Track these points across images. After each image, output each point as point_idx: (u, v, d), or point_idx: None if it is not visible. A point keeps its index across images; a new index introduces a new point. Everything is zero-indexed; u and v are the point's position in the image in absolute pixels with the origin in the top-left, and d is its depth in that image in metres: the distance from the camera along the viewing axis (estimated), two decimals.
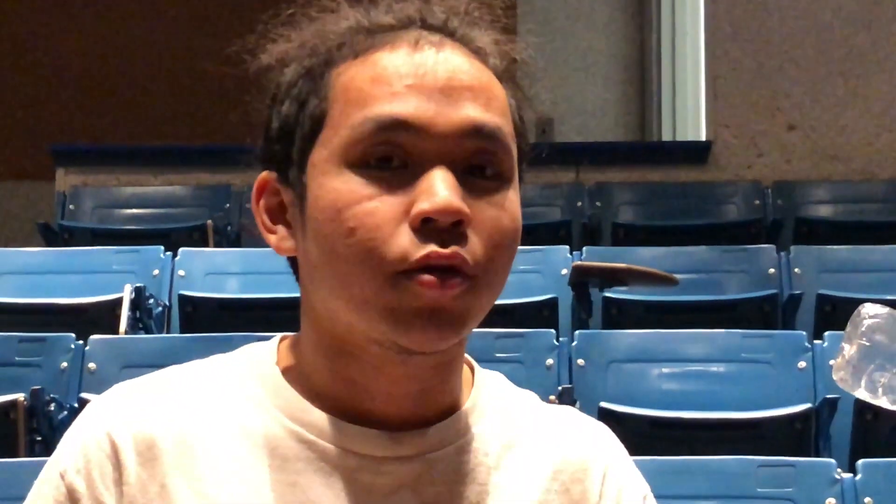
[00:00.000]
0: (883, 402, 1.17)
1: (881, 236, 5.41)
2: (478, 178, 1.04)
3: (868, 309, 1.16)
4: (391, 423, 1.08)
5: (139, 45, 8.49)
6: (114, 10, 8.53)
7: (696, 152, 6.70)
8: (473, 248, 1.02)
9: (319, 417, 1.08)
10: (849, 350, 1.16)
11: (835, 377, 1.17)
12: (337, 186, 1.03)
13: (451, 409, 1.11)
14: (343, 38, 1.08)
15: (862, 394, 1.15)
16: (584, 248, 5.21)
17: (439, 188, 1.01)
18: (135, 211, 6.41)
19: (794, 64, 6.54)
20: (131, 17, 8.53)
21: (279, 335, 1.16)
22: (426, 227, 1.01)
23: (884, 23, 6.52)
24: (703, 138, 6.83)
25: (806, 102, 6.54)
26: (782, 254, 5.15)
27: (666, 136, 8.12)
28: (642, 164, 6.62)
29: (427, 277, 1.00)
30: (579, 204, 6.22)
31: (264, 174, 1.11)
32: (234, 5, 7.90)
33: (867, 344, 1.14)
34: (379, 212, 1.02)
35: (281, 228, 1.10)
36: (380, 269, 1.01)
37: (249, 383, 1.11)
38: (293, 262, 1.13)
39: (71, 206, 6.43)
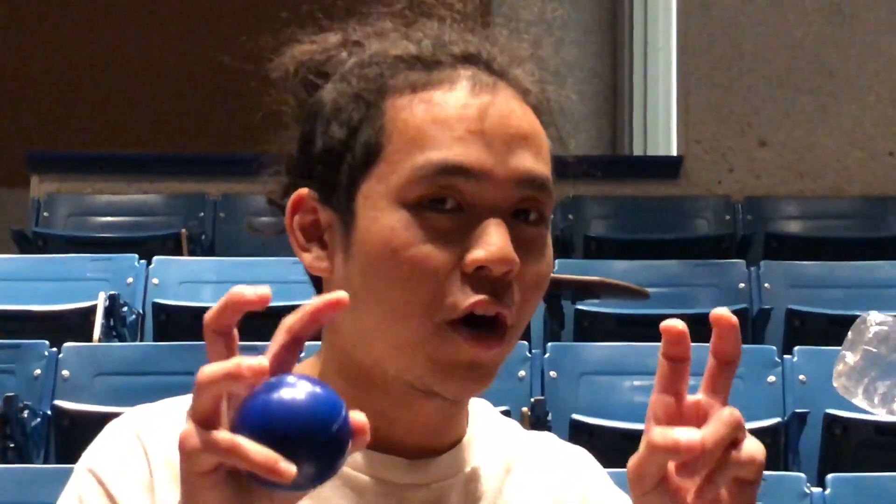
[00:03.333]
0: (879, 412, 1.17)
1: (850, 252, 5.43)
2: (522, 222, 1.04)
3: (874, 317, 1.16)
4: (407, 451, 1.09)
5: (115, 52, 8.46)
6: (89, 17, 8.50)
7: (667, 167, 6.72)
8: (517, 298, 1.03)
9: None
10: (852, 357, 1.15)
11: (835, 384, 1.17)
12: (392, 225, 1.03)
13: (456, 438, 1.12)
14: (395, 67, 1.07)
15: (860, 402, 1.15)
16: (557, 261, 5.20)
17: (496, 238, 1.01)
18: (109, 219, 6.39)
19: (766, 80, 6.57)
20: (107, 24, 8.49)
21: (313, 356, 1.15)
22: (478, 274, 1.01)
23: (854, 41, 6.55)
24: (675, 153, 6.85)
25: (776, 119, 6.56)
26: (752, 269, 5.16)
27: (637, 151, 8.13)
28: (614, 178, 6.62)
29: (471, 335, 1.01)
30: (552, 217, 6.21)
31: (303, 191, 1.08)
32: (215, 13, 7.89)
33: (874, 351, 1.14)
34: (434, 258, 1.02)
35: (315, 247, 1.09)
36: (430, 317, 1.02)
37: None
38: (316, 279, 1.12)
39: (45, 214, 6.40)
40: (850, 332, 1.17)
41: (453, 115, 1.04)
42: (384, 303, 1.03)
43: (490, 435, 1.15)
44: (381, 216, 1.03)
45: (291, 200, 1.09)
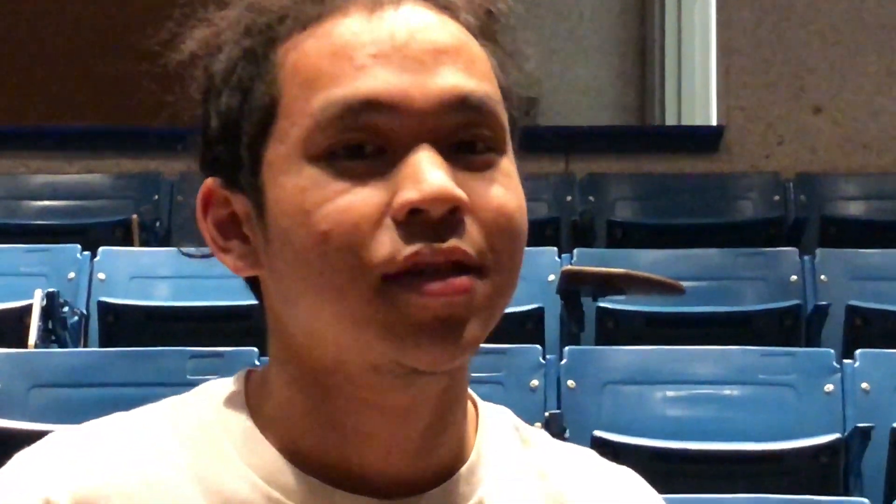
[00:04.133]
0: None
1: None
2: (468, 154, 1.00)
3: None
4: (386, 485, 1.05)
5: (48, 10, 8.46)
6: None
7: (705, 139, 6.73)
8: (474, 237, 0.98)
9: (301, 481, 1.05)
10: None
11: None
12: (301, 184, 1.00)
13: (455, 462, 1.07)
14: (284, 9, 1.04)
15: None
16: (575, 251, 5.22)
17: (427, 172, 0.97)
18: (47, 203, 6.39)
19: (820, 36, 6.57)
20: None
21: (244, 370, 1.11)
22: (414, 220, 0.97)
23: None
24: (714, 123, 6.86)
25: (834, 82, 6.57)
26: (806, 258, 5.17)
27: (670, 121, 8.16)
28: (642, 152, 6.65)
29: (426, 285, 0.97)
30: (569, 198, 6.23)
31: (208, 182, 1.07)
32: None
33: None
34: (355, 208, 0.98)
35: (236, 244, 1.06)
36: (364, 279, 0.98)
37: (216, 437, 1.07)
38: (253, 282, 1.09)
39: None
40: None
41: (351, 43, 1.00)
42: (312, 281, 1.00)
43: (505, 456, 1.11)
44: (288, 179, 1.00)
45: (200, 195, 1.07)
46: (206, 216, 1.07)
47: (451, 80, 1.00)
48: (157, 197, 6.34)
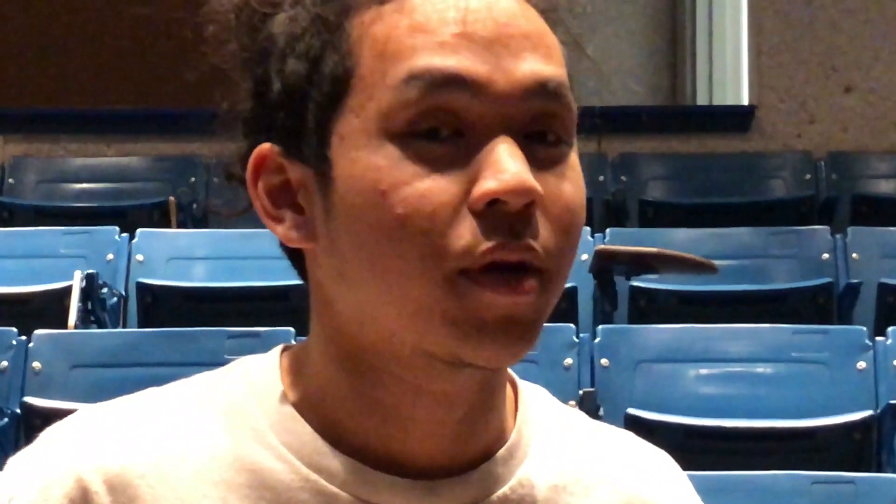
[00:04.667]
0: None
1: None
2: (538, 144, 0.98)
3: None
4: (424, 468, 1.03)
5: None
6: None
7: (737, 118, 6.72)
8: (544, 235, 0.96)
9: (341, 463, 1.03)
10: None
11: None
12: (378, 163, 0.97)
13: (493, 445, 1.06)
14: None
15: None
16: (608, 230, 5.22)
17: (508, 163, 0.95)
18: (85, 186, 6.41)
19: (852, 15, 6.55)
20: None
21: (279, 347, 1.09)
22: (491, 211, 0.95)
23: None
24: (746, 102, 6.85)
25: (865, 61, 6.54)
26: (838, 236, 5.15)
27: (701, 101, 8.13)
28: (674, 132, 6.64)
29: (496, 281, 0.95)
30: (601, 178, 6.21)
31: (263, 148, 1.03)
32: None
33: None
34: (433, 194, 0.96)
35: (289, 214, 1.03)
36: (438, 269, 0.96)
37: (251, 415, 1.06)
38: (296, 253, 1.06)
39: (11, 180, 6.43)
40: None
41: (434, 19, 0.98)
42: (380, 263, 0.97)
43: (544, 437, 1.09)
44: (364, 156, 0.97)
45: (252, 161, 1.03)
46: (257, 183, 1.04)
47: (534, 66, 0.98)
48: (193, 179, 6.36)
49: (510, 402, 1.08)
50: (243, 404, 1.06)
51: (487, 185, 0.95)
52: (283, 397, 1.05)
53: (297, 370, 1.07)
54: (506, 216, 0.95)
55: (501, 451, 1.06)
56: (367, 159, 0.97)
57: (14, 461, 1.06)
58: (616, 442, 1.14)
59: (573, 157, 0.99)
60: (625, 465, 1.12)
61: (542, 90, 0.98)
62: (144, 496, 1.02)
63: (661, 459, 1.15)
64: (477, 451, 1.05)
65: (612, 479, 1.10)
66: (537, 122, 0.98)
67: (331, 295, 1.03)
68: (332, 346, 1.04)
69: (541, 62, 0.98)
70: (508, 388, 1.08)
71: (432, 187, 0.96)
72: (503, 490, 1.05)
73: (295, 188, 1.03)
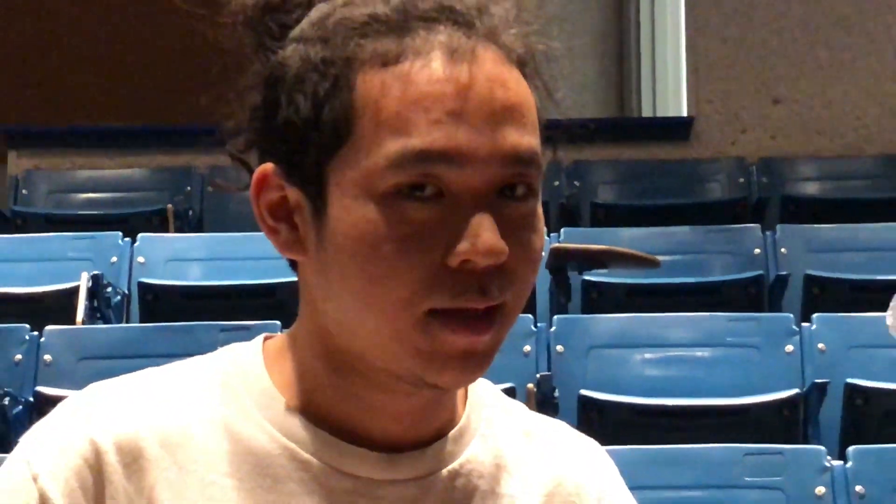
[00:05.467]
0: None
1: (871, 214, 5.42)
2: (509, 199, 1.00)
3: None
4: (387, 443, 1.06)
5: (93, 18, 8.44)
6: None
7: (677, 129, 6.71)
8: (510, 283, 1.00)
9: (314, 434, 1.05)
10: None
11: (889, 322, 1.17)
12: (367, 216, 0.99)
13: (445, 426, 1.08)
14: (362, 32, 1.01)
15: None
16: (562, 230, 5.21)
17: (481, 230, 0.98)
18: (91, 195, 6.38)
19: (779, 34, 6.55)
20: None
21: (262, 336, 1.11)
22: (464, 267, 0.98)
23: None
24: (685, 114, 6.85)
25: (791, 75, 6.55)
26: (768, 233, 5.16)
27: (646, 112, 8.13)
28: (622, 141, 6.61)
29: (459, 325, 0.98)
30: (557, 184, 6.21)
31: (266, 167, 1.04)
32: None
33: None
34: (414, 254, 0.98)
35: (284, 228, 1.04)
36: (412, 312, 0.98)
37: (237, 392, 1.07)
38: (293, 263, 1.08)
39: (24, 191, 6.40)
40: None
41: (429, 95, 0.98)
42: (361, 297, 1.00)
43: (488, 423, 1.11)
44: (355, 206, 0.99)
45: (255, 178, 1.04)
46: (259, 197, 1.05)
47: (513, 138, 0.99)
48: (189, 188, 6.33)
49: (461, 391, 1.10)
50: (231, 383, 1.08)
51: (463, 246, 0.97)
52: (265, 378, 1.07)
53: (277, 356, 1.08)
54: (477, 273, 0.97)
55: (453, 432, 1.08)
56: (359, 211, 0.99)
57: (34, 428, 1.07)
58: (550, 430, 1.15)
59: (538, 208, 1.02)
60: (557, 450, 1.14)
61: (518, 158, 0.99)
62: (148, 458, 1.04)
63: (590, 446, 1.17)
64: (432, 431, 1.07)
65: (546, 461, 1.12)
66: (510, 180, 1.00)
67: (317, 304, 1.05)
68: (315, 340, 1.05)
69: (519, 134, 1.00)
70: None
71: (415, 246, 0.98)
72: (453, 465, 1.07)
73: (291, 206, 1.04)
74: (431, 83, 0.99)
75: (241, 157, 1.09)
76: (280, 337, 1.10)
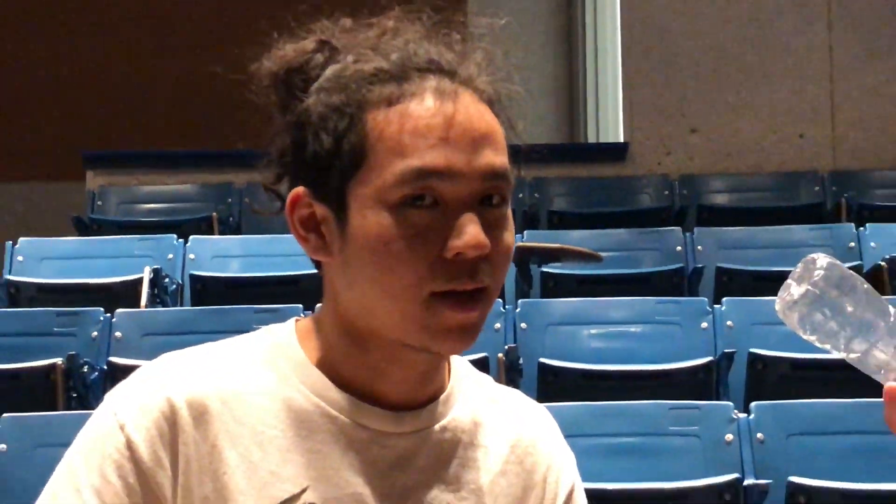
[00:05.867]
0: (811, 339, 1.16)
1: (768, 219, 5.45)
2: (488, 206, 1.03)
3: (820, 260, 1.13)
4: (394, 404, 1.07)
5: (155, 65, 8.43)
6: (133, 39, 8.47)
7: (615, 152, 6.71)
8: (489, 270, 1.02)
9: (340, 396, 1.07)
10: (795, 291, 1.13)
11: (777, 308, 1.15)
12: (381, 222, 1.01)
13: (436, 392, 1.10)
14: (371, 81, 1.03)
15: (797, 328, 1.14)
16: (525, 232, 5.22)
17: (469, 229, 1.01)
18: (152, 206, 6.38)
19: (695, 78, 6.57)
20: (148, 44, 8.46)
21: (293, 319, 1.12)
22: (457, 258, 1.01)
23: (768, 43, 6.55)
24: (622, 140, 6.84)
25: (705, 110, 6.56)
26: (687, 234, 5.17)
27: (591, 139, 8.14)
28: (572, 161, 6.63)
29: (455, 303, 1.01)
30: (521, 195, 6.22)
31: (298, 190, 1.06)
32: (242, 30, 7.85)
33: (815, 291, 1.12)
34: (417, 249, 1.01)
35: (313, 237, 1.06)
36: (418, 294, 1.01)
37: (278, 362, 1.08)
38: (317, 261, 1.09)
39: (99, 203, 6.39)
40: (799, 266, 1.15)
41: (424, 126, 1.01)
42: (378, 284, 1.02)
43: (467, 390, 1.13)
44: (371, 214, 1.01)
45: (290, 199, 1.06)
46: (293, 213, 1.06)
47: (489, 158, 1.03)
48: (230, 200, 6.33)
49: (446, 365, 1.12)
50: (274, 356, 1.09)
51: (456, 242, 1.00)
52: (299, 351, 1.08)
53: (306, 335, 1.10)
54: (467, 262, 1.01)
55: (442, 397, 1.10)
56: (373, 217, 1.01)
57: (117, 388, 1.08)
58: (510, 397, 1.18)
59: (509, 213, 1.05)
60: (516, 413, 1.17)
61: (493, 174, 1.03)
62: (212, 413, 1.05)
63: (539, 411, 1.20)
64: (427, 395, 1.09)
65: (509, 421, 1.15)
66: (488, 191, 1.03)
67: (340, 293, 1.06)
68: (339, 323, 1.07)
69: (493, 155, 1.03)
70: None
71: (417, 244, 1.00)
72: (443, 422, 1.10)
73: (319, 220, 1.06)
74: (425, 116, 1.02)
75: (273, 189, 1.10)
76: (307, 320, 1.11)
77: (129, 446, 1.03)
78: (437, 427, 1.09)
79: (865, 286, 1.13)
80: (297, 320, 1.12)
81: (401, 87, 1.03)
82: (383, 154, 1.01)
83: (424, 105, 1.02)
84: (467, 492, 1.09)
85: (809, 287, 1.11)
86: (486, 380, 1.17)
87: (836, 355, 1.15)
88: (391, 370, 1.06)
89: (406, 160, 1.00)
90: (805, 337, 1.15)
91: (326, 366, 1.07)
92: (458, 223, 1.01)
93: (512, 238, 1.05)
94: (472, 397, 1.13)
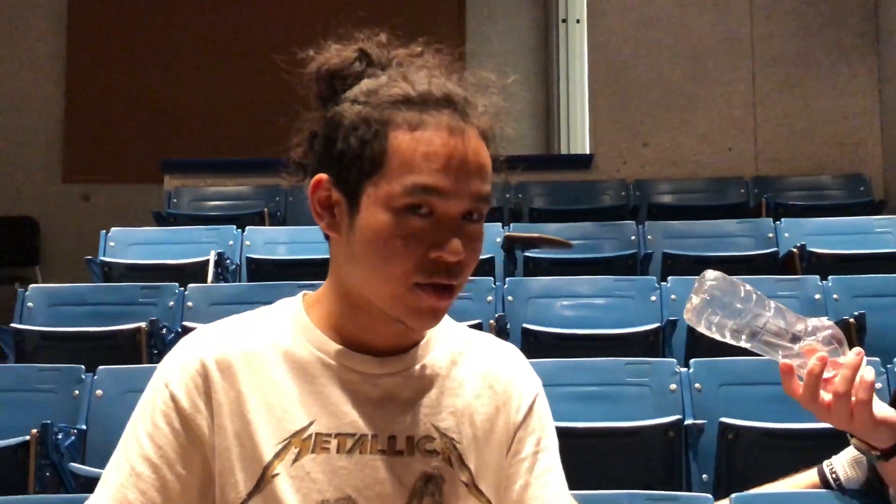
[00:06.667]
0: (715, 335, 1.19)
1: (703, 215, 5.45)
2: (469, 220, 1.04)
3: (710, 274, 1.17)
4: (381, 351, 1.08)
5: (218, 85, 8.41)
6: (200, 61, 8.44)
7: (583, 161, 6.71)
8: (461, 271, 1.04)
9: (336, 348, 1.08)
10: (695, 301, 1.17)
11: (685, 316, 1.17)
12: (386, 220, 1.02)
13: (416, 340, 1.11)
14: (397, 104, 1.03)
15: (702, 329, 1.16)
16: (511, 224, 5.22)
17: (454, 242, 1.02)
18: (216, 203, 6.37)
19: (647, 104, 6.55)
20: (212, 69, 8.44)
21: (302, 293, 1.14)
22: (439, 259, 1.02)
23: (706, 77, 6.54)
24: (588, 152, 6.84)
25: (655, 128, 6.54)
26: (640, 227, 5.17)
27: (563, 151, 8.13)
28: (548, 169, 6.62)
29: (432, 293, 1.03)
30: (507, 196, 6.22)
31: (321, 176, 1.06)
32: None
33: (707, 297, 1.16)
34: (411, 247, 1.01)
35: (327, 216, 1.07)
36: (406, 281, 1.02)
37: (287, 325, 1.10)
38: (327, 236, 1.10)
39: (174, 200, 6.39)
40: (696, 282, 1.18)
41: (433, 153, 1.02)
42: (374, 269, 1.03)
43: (443, 336, 1.14)
44: (378, 212, 1.02)
45: (313, 182, 1.07)
46: (314, 194, 1.07)
47: (477, 187, 1.05)
48: (278, 198, 6.33)
49: None
50: (283, 321, 1.11)
51: (440, 251, 1.02)
52: (305, 317, 1.10)
53: (313, 304, 1.12)
54: (445, 263, 1.03)
55: (421, 342, 1.12)
56: (380, 216, 1.02)
57: (166, 356, 1.11)
58: (481, 338, 1.19)
59: (483, 228, 1.07)
60: (487, 350, 1.18)
61: (479, 198, 1.05)
62: (236, 368, 1.06)
63: (508, 347, 1.21)
64: (408, 343, 1.11)
65: (481, 357, 1.16)
66: (472, 209, 1.05)
67: (342, 263, 1.07)
68: (340, 292, 1.09)
69: (481, 184, 1.05)
70: None
71: (412, 242, 1.02)
72: (423, 363, 1.12)
73: (333, 203, 1.06)
74: (436, 145, 1.02)
75: (299, 162, 1.12)
76: (312, 293, 1.13)
77: (173, 398, 1.05)
78: (417, 367, 1.11)
79: (748, 287, 1.15)
80: (304, 294, 1.13)
81: (421, 116, 1.03)
82: (397, 167, 1.02)
83: (438, 135, 1.03)
84: (446, 414, 1.10)
85: (704, 296, 1.15)
86: (461, 327, 1.18)
87: (737, 344, 1.17)
88: (377, 326, 1.07)
89: (414, 176, 1.01)
90: (709, 334, 1.17)
91: (326, 326, 1.09)
92: (445, 234, 1.02)
93: (480, 248, 1.06)
94: (448, 342, 1.14)
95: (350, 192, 1.03)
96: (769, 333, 1.15)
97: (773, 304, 1.15)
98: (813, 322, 1.18)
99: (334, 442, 1.04)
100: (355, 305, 1.07)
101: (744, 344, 1.17)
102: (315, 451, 1.03)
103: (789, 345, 1.14)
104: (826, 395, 1.24)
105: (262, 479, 1.02)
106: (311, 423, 1.04)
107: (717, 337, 1.16)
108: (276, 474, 1.02)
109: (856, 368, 1.18)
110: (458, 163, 1.02)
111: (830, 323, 1.20)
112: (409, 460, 1.06)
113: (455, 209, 1.02)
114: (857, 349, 1.20)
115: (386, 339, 1.08)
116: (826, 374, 1.20)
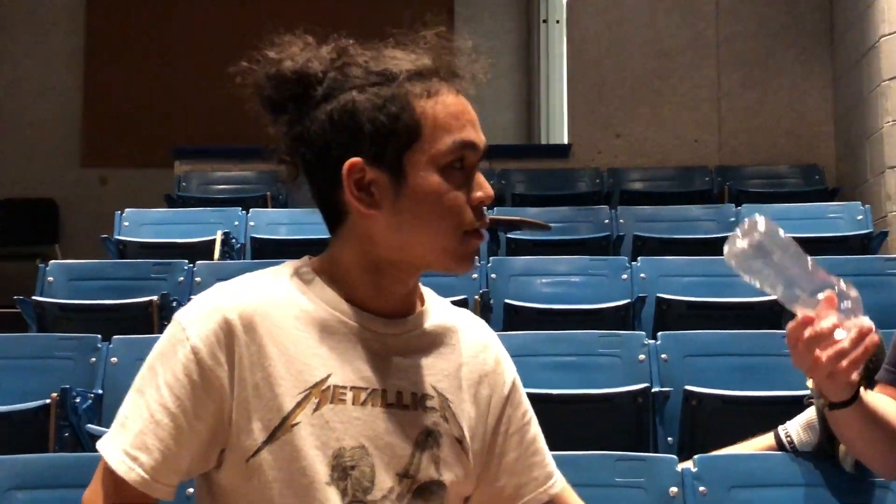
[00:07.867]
0: (754, 282, 1.15)
1: (671, 200, 5.46)
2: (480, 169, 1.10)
3: (760, 224, 1.12)
4: (389, 314, 1.09)
5: (222, 77, 8.34)
6: (206, 57, 8.37)
7: (561, 150, 6.70)
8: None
9: (349, 308, 1.08)
10: (740, 245, 1.13)
11: (725, 255, 1.12)
12: (436, 180, 1.04)
13: (412, 308, 1.12)
14: (410, 78, 1.05)
15: (736, 270, 1.12)
16: (495, 208, 5.21)
17: (486, 184, 1.08)
18: (223, 186, 6.34)
19: (620, 98, 6.54)
20: (216, 65, 8.37)
21: (307, 256, 1.14)
22: (479, 204, 1.07)
23: (674, 74, 6.53)
24: (566, 142, 6.83)
25: (626, 121, 6.53)
26: (612, 211, 5.17)
27: (544, 140, 8.12)
28: (530, 157, 6.62)
29: (478, 237, 1.07)
30: (492, 182, 6.14)
31: (353, 160, 1.06)
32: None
33: (754, 245, 1.11)
34: (460, 198, 1.05)
35: (363, 195, 1.07)
36: (458, 231, 1.05)
37: (301, 285, 1.09)
38: (329, 215, 1.10)
39: (184, 184, 6.35)
40: (745, 223, 1.14)
41: (456, 112, 1.06)
42: (431, 225, 1.04)
43: (436, 308, 1.16)
44: (426, 175, 1.04)
45: (346, 167, 1.07)
46: (349, 177, 1.06)
47: (483, 137, 1.09)
48: (280, 183, 6.28)
49: (418, 290, 1.16)
50: (296, 280, 1.11)
51: (478, 194, 1.07)
52: (314, 276, 1.11)
53: (322, 267, 1.12)
54: (483, 205, 1.07)
55: (420, 310, 1.14)
56: (430, 177, 1.05)
57: (184, 310, 1.10)
58: (462, 314, 1.21)
59: None
60: (469, 324, 1.20)
61: (484, 146, 1.09)
62: (257, 322, 1.06)
63: (483, 323, 1.23)
64: (407, 309, 1.12)
65: (465, 329, 1.19)
66: (482, 156, 1.09)
67: (376, 235, 1.07)
68: (360, 257, 1.08)
69: (482, 135, 1.10)
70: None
71: (459, 195, 1.05)
72: (424, 327, 1.13)
73: (367, 182, 1.06)
74: (455, 104, 1.07)
75: (284, 158, 1.16)
76: (317, 259, 1.13)
77: (194, 351, 1.04)
78: (417, 331, 1.12)
79: (795, 247, 1.11)
80: (309, 258, 1.14)
81: (432, 83, 1.06)
82: (432, 131, 1.04)
83: (452, 97, 1.06)
84: (442, 376, 1.12)
85: (752, 241, 1.11)
86: (446, 302, 1.20)
87: (769, 292, 1.14)
88: (392, 289, 1.08)
89: (453, 135, 1.05)
90: (745, 279, 1.13)
91: (342, 288, 1.09)
92: (476, 180, 1.07)
93: None
94: (441, 313, 1.16)
95: (392, 166, 1.04)
96: (800, 293, 1.11)
97: (809, 259, 1.12)
98: (842, 285, 1.15)
99: (350, 394, 1.04)
100: (378, 271, 1.08)
101: (778, 296, 1.13)
102: (333, 401, 1.04)
103: (812, 299, 1.11)
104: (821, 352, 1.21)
105: (281, 428, 1.03)
106: (328, 376, 1.04)
107: (752, 283, 1.12)
108: (297, 423, 1.03)
109: (866, 333, 1.17)
110: (472, 118, 1.07)
111: (855, 289, 1.17)
112: (413, 414, 1.07)
113: (477, 157, 1.07)
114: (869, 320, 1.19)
115: (393, 303, 1.09)
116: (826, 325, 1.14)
